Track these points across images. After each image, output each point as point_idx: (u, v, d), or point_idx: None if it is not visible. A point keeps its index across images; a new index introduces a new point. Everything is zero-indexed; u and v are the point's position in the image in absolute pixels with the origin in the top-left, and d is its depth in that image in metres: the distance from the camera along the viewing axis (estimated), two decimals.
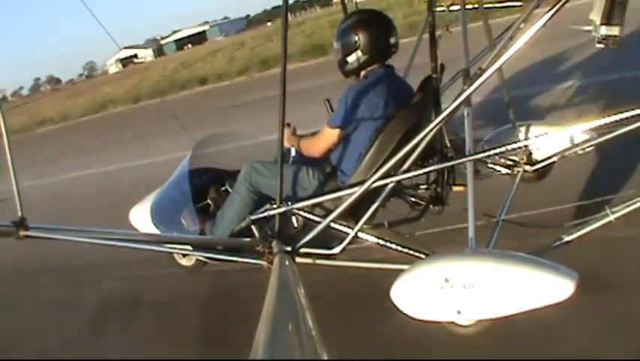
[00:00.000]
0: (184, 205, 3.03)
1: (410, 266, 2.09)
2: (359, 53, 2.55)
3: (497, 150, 2.05)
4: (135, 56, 78.02)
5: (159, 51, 76.82)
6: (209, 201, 3.16)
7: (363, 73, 2.62)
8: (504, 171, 3.18)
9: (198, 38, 71.42)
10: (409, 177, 2.19)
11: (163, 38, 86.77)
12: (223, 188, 3.23)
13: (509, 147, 2.05)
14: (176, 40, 78.98)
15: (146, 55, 76.77)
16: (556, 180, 3.18)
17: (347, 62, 2.61)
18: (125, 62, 76.15)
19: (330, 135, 2.61)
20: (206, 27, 77.47)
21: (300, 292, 1.38)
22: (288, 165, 2.74)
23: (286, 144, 2.86)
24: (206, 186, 3.21)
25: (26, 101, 52.09)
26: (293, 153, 2.94)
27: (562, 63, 6.37)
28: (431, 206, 2.81)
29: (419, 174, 2.28)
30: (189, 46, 64.04)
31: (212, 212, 3.08)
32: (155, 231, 3.00)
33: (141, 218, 3.20)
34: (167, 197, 3.21)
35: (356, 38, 2.53)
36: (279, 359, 1.01)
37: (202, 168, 3.31)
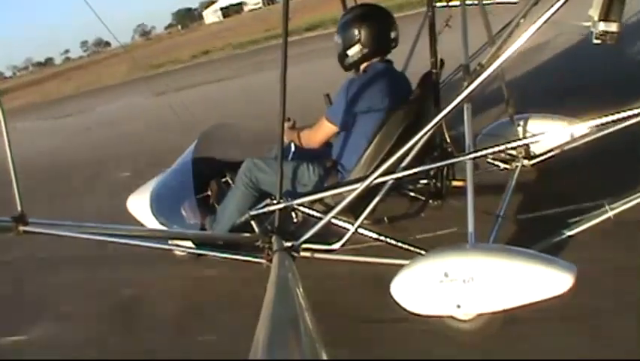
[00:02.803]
0: (185, 196, 3.02)
1: (410, 261, 2.09)
2: (360, 46, 2.56)
3: (498, 148, 2.03)
4: (241, 4, 68.20)
5: None
6: (209, 193, 3.15)
7: (363, 67, 2.65)
8: (502, 165, 3.18)
9: None
10: (410, 174, 2.19)
11: None
12: (224, 180, 3.21)
13: (511, 145, 2.04)
14: None
15: (256, 1, 66.39)
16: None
17: (347, 55, 2.62)
18: (228, 11, 66.62)
19: (328, 127, 2.62)
20: None
21: (299, 291, 1.38)
22: (288, 161, 2.75)
23: (285, 139, 2.86)
24: (206, 177, 3.18)
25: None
26: (292, 148, 2.94)
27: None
28: (430, 201, 2.83)
29: (420, 171, 2.27)
30: None
31: (212, 205, 3.08)
32: (152, 219, 2.98)
33: (139, 206, 3.17)
34: (168, 186, 3.19)
35: (357, 32, 2.55)
36: (278, 358, 1.01)
37: (203, 158, 3.28)
